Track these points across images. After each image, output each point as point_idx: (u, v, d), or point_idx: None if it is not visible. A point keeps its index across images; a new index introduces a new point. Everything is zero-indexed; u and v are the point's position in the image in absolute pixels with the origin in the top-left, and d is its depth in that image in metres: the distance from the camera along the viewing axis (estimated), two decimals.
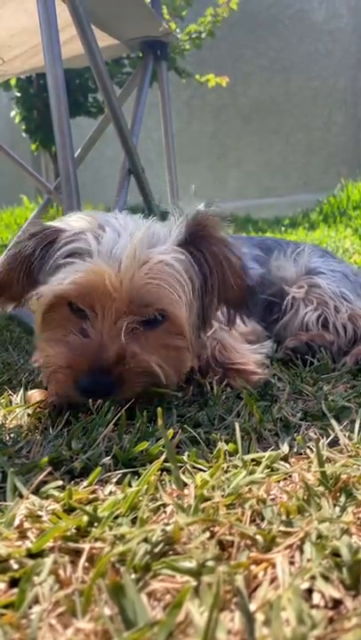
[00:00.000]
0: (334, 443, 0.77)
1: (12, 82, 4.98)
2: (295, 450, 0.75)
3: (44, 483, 0.67)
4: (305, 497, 0.61)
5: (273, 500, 0.62)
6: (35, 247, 0.97)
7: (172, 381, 0.96)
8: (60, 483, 0.67)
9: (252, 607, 0.45)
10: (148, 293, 0.91)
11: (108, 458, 0.73)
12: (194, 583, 0.47)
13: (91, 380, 0.87)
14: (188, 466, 0.71)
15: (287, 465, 0.71)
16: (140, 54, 2.32)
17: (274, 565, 0.50)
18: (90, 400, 0.89)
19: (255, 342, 1.16)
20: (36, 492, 0.65)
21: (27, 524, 0.58)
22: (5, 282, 1.01)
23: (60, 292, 0.91)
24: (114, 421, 0.85)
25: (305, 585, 0.47)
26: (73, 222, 0.98)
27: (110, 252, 0.91)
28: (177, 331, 0.95)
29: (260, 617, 0.44)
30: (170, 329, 0.94)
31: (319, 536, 0.53)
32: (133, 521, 0.58)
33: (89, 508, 0.59)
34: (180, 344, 0.96)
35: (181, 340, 0.96)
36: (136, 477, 0.68)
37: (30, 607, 0.47)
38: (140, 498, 0.62)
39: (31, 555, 0.53)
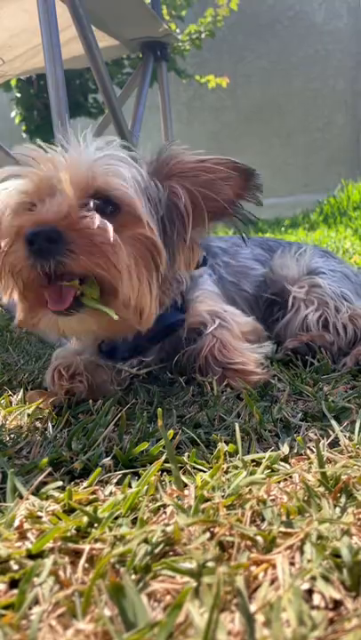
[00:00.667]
0: (335, 443, 0.77)
1: (13, 82, 4.98)
2: (295, 450, 0.75)
3: (44, 483, 0.67)
4: (305, 498, 0.61)
5: (273, 500, 0.62)
6: None
7: (135, 293, 0.90)
8: (59, 483, 0.67)
9: (253, 608, 0.45)
10: (94, 178, 0.90)
11: (109, 458, 0.73)
12: (194, 584, 0.47)
13: (35, 228, 0.84)
14: (188, 466, 0.71)
15: (287, 466, 0.71)
16: (141, 55, 2.32)
17: (274, 566, 0.50)
18: (39, 262, 0.85)
19: (255, 342, 1.16)
20: (35, 492, 0.65)
21: (27, 525, 0.58)
22: None
23: (15, 189, 0.92)
24: (114, 422, 0.85)
25: (305, 586, 0.47)
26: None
27: (51, 158, 0.92)
28: (136, 223, 0.91)
29: (260, 618, 0.44)
30: (127, 220, 0.91)
31: (319, 537, 0.53)
32: (133, 522, 0.58)
33: (89, 509, 0.59)
34: (145, 241, 0.92)
35: (145, 238, 0.92)
36: (136, 478, 0.68)
37: (30, 608, 0.47)
38: (141, 498, 0.62)
39: (31, 555, 0.53)
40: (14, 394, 1.07)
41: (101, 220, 0.87)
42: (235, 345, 1.09)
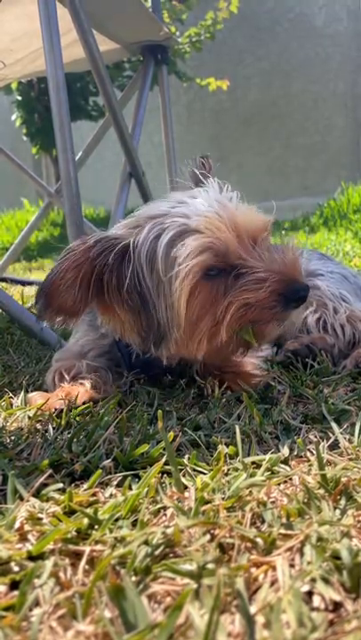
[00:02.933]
0: (334, 445, 0.77)
1: (14, 85, 5.00)
2: (295, 453, 0.75)
3: (45, 485, 0.67)
4: (305, 500, 0.61)
5: (273, 502, 0.62)
6: (103, 253, 0.90)
7: None
8: (60, 485, 0.67)
9: (253, 610, 0.45)
10: (256, 216, 0.97)
11: (109, 460, 0.73)
12: (194, 586, 0.47)
13: (299, 284, 0.93)
14: (188, 468, 0.71)
15: (287, 468, 0.71)
16: (141, 58, 2.33)
17: (274, 568, 0.50)
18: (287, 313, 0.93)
19: None
20: (36, 494, 0.65)
21: (27, 527, 0.58)
22: (58, 288, 0.90)
23: (200, 263, 0.89)
24: (114, 424, 0.85)
25: (305, 587, 0.47)
26: (124, 231, 0.95)
27: (194, 213, 0.92)
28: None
29: (260, 619, 0.44)
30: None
31: (319, 539, 0.53)
32: (134, 523, 0.58)
33: (89, 511, 0.59)
34: None
35: None
36: (136, 480, 0.68)
37: (31, 610, 0.47)
38: (141, 500, 0.62)
39: (32, 557, 0.53)
40: (15, 396, 1.07)
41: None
42: None
